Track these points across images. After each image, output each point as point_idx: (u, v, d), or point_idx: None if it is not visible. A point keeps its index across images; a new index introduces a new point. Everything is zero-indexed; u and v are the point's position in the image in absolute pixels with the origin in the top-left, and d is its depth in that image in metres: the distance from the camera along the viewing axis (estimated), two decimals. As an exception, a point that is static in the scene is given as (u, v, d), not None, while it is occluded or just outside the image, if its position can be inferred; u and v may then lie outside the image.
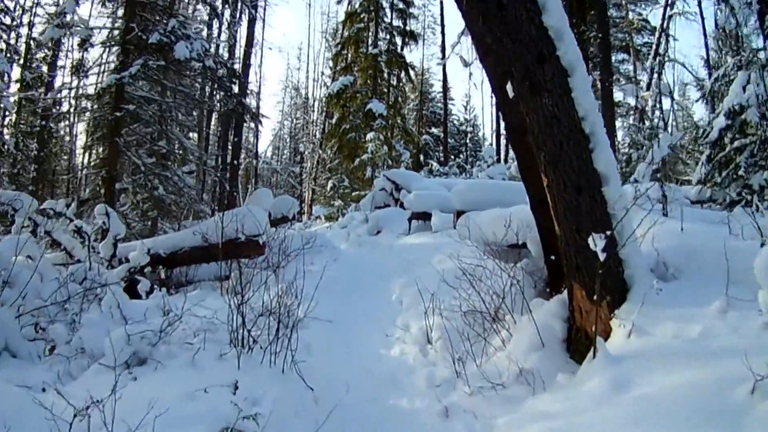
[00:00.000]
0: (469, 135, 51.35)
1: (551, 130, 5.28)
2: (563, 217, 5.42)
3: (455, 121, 50.65)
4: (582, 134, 5.27)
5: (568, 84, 5.27)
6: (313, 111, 50.10)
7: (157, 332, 5.32)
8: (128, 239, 13.20)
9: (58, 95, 19.19)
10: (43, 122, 20.32)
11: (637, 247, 5.52)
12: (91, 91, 14.84)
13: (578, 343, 5.46)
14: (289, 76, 58.06)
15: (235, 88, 20.74)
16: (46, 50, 22.43)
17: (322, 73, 49.06)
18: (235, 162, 24.25)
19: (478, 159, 49.89)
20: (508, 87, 5.80)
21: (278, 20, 77.26)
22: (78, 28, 13.85)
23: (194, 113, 25.60)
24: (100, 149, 15.94)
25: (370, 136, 26.46)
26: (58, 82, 22.12)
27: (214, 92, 18.25)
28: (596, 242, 4.53)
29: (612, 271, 5.16)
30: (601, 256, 4.52)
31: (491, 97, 54.17)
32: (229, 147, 25.43)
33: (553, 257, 6.39)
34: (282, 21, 77.63)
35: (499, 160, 39.29)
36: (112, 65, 14.62)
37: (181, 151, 19.75)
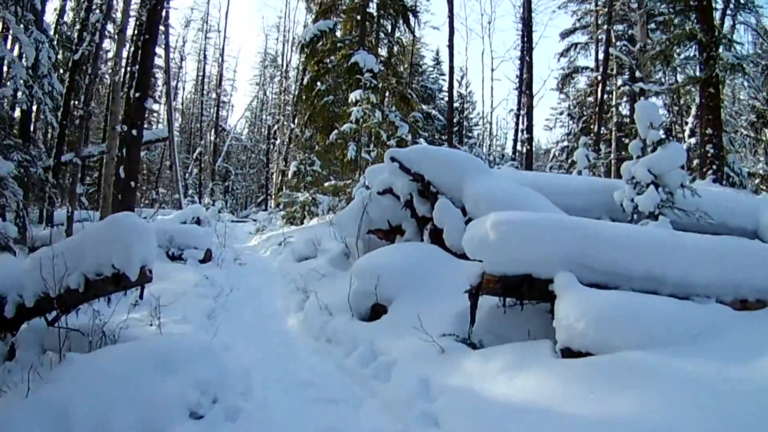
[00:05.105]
0: (465, 113, 40.53)
1: None
2: None
3: (446, 98, 39.76)
4: None
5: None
6: (287, 79, 38.80)
7: None
8: None
9: None
10: None
11: None
12: None
13: None
14: (267, 48, 46.44)
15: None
16: None
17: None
18: (134, 132, 13.32)
19: (470, 138, 39.68)
20: None
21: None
22: None
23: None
24: None
25: (355, 95, 15.65)
26: None
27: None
28: None
29: None
30: None
31: (492, 70, 43.57)
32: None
33: None
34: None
35: (515, 155, 28.61)
36: None
37: None
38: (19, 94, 9.64)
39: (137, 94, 13.64)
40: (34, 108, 15.41)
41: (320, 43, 21.10)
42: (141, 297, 4.98)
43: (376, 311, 5.62)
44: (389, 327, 5.20)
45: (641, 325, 3.96)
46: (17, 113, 13.76)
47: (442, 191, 6.52)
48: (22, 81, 10.48)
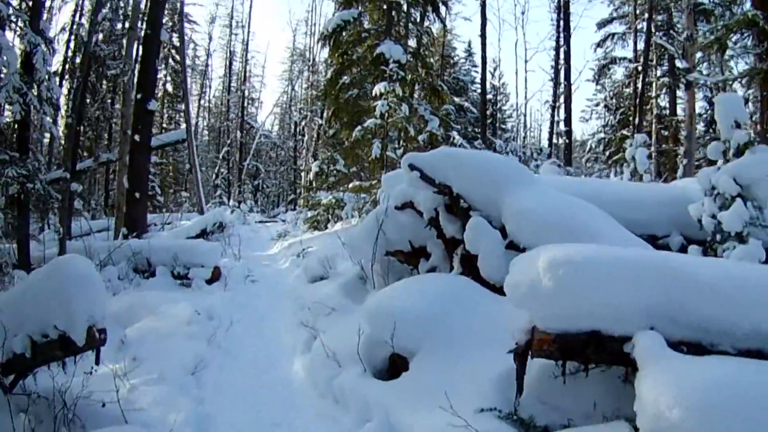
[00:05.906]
0: (498, 105, 38.95)
1: None
2: None
3: (479, 90, 38.08)
4: None
5: None
6: (314, 73, 37.68)
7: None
8: None
9: None
10: None
11: None
12: None
13: None
14: (295, 42, 45.26)
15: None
16: None
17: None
18: (136, 138, 12.35)
19: (504, 131, 38.17)
20: None
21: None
22: None
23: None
24: None
25: (379, 87, 14.39)
26: None
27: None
28: None
29: None
30: None
31: (526, 61, 41.61)
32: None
33: None
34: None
35: (552, 148, 27.17)
36: None
37: None
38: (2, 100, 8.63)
39: (139, 96, 12.61)
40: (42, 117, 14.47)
41: (344, 34, 19.90)
42: (97, 362, 3.91)
43: (394, 363, 4.43)
44: (411, 391, 4.00)
45: (764, 414, 2.73)
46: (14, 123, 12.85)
47: (476, 207, 5.23)
48: (12, 88, 9.49)
